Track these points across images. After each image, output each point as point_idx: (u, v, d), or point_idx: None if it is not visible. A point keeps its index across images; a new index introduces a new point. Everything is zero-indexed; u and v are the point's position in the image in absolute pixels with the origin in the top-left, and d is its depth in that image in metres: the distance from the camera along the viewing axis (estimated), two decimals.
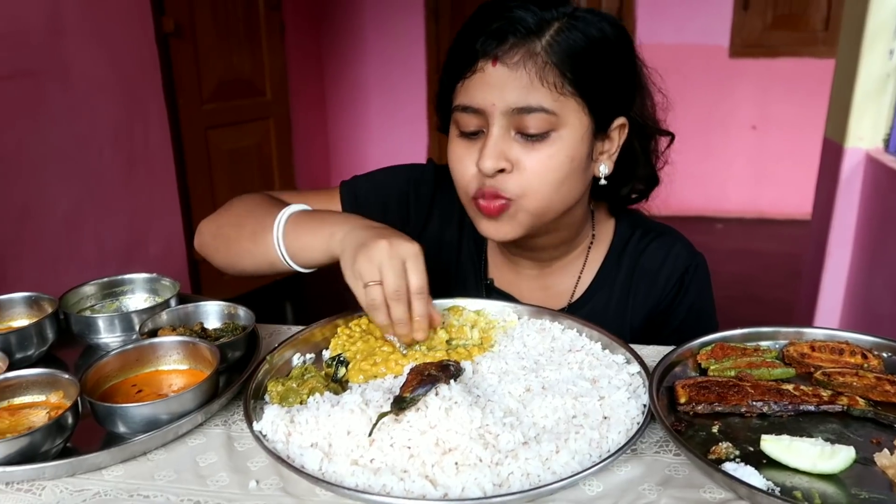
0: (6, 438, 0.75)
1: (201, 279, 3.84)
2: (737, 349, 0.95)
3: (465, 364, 0.93)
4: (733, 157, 5.83)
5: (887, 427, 0.81)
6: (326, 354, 1.02)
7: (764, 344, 0.99)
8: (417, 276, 0.93)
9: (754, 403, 0.83)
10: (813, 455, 0.73)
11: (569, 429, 0.80)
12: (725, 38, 5.60)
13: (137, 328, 1.03)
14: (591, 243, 1.24)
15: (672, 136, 1.17)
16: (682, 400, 0.85)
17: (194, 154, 3.88)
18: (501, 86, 0.99)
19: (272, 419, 0.82)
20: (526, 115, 0.99)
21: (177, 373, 0.94)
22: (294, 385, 0.90)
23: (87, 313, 1.12)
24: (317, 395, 0.87)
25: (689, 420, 0.83)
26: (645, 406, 0.85)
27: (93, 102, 2.94)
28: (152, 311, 1.06)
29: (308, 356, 1.02)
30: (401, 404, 0.80)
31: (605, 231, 1.25)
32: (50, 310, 1.04)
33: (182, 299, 1.12)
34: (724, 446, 0.77)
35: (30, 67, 2.63)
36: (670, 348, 0.95)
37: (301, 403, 0.87)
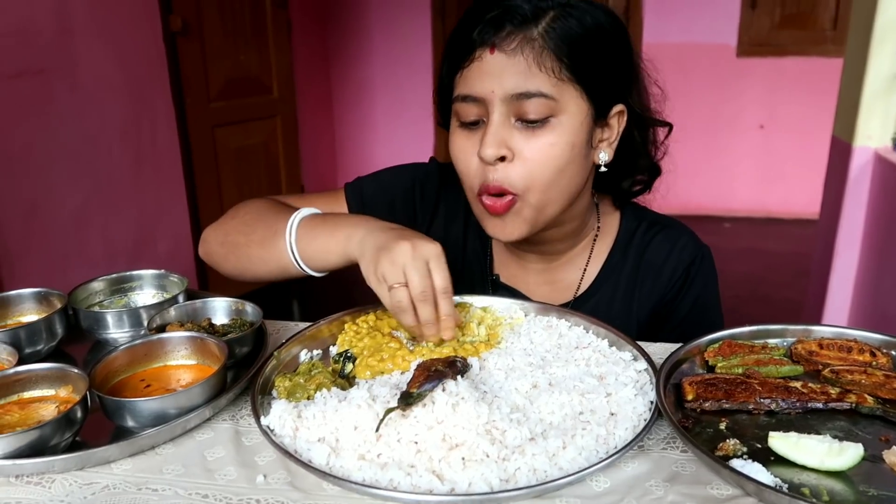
0: (16, 432, 0.76)
1: (208, 276, 3.85)
2: (745, 346, 0.95)
3: (472, 360, 0.93)
4: (741, 156, 5.81)
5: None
6: (333, 350, 1.02)
7: (772, 341, 0.99)
8: (441, 276, 0.94)
9: (762, 400, 0.83)
10: (821, 452, 0.73)
11: (576, 425, 0.80)
12: (733, 37, 5.57)
13: (146, 324, 1.03)
14: (597, 236, 1.24)
15: (670, 127, 1.17)
16: (690, 397, 0.84)
17: (201, 152, 3.90)
18: (500, 73, 1.00)
19: (280, 414, 0.82)
20: (525, 100, 1.00)
21: (185, 368, 0.95)
22: (301, 380, 0.91)
23: (96, 309, 1.12)
24: (324, 390, 0.87)
25: (697, 417, 0.83)
26: (652, 403, 0.85)
27: (101, 100, 2.95)
28: (160, 306, 1.07)
29: (315, 352, 1.02)
30: (408, 400, 0.80)
31: (611, 224, 1.25)
32: (59, 305, 1.05)
33: (190, 295, 1.12)
34: (732, 443, 0.77)
35: (38, 66, 2.64)
36: (677, 345, 0.95)
37: (308, 399, 0.87)
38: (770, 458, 0.74)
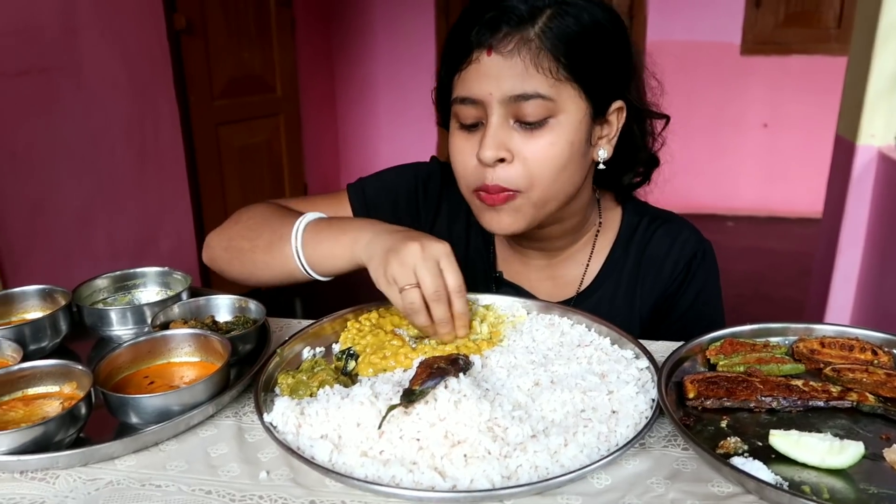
0: (21, 428, 0.76)
1: (212, 274, 3.86)
2: (746, 345, 0.95)
3: (475, 358, 0.94)
4: (745, 154, 5.80)
5: None
6: (336, 348, 1.02)
7: (773, 340, 0.99)
8: (454, 275, 0.94)
9: (763, 399, 0.83)
10: (822, 450, 0.73)
11: (577, 422, 0.80)
12: (737, 36, 5.57)
13: (149, 321, 1.04)
14: (598, 231, 1.24)
15: (667, 119, 1.17)
16: (691, 395, 0.85)
17: (205, 150, 3.90)
18: (497, 75, 1.00)
19: (282, 411, 0.82)
20: (523, 102, 1.00)
21: (188, 365, 0.95)
22: (304, 378, 0.91)
23: (100, 306, 1.13)
24: (327, 387, 0.88)
25: (698, 415, 0.83)
26: (653, 401, 0.85)
27: (104, 99, 2.96)
28: (164, 304, 1.07)
29: (318, 350, 1.02)
30: (410, 397, 0.80)
31: (612, 219, 1.25)
32: (63, 302, 1.05)
33: (193, 293, 1.12)
34: (733, 441, 0.77)
35: (43, 64, 2.65)
36: (679, 343, 0.95)
37: (311, 396, 0.87)
38: (771, 456, 0.75)
